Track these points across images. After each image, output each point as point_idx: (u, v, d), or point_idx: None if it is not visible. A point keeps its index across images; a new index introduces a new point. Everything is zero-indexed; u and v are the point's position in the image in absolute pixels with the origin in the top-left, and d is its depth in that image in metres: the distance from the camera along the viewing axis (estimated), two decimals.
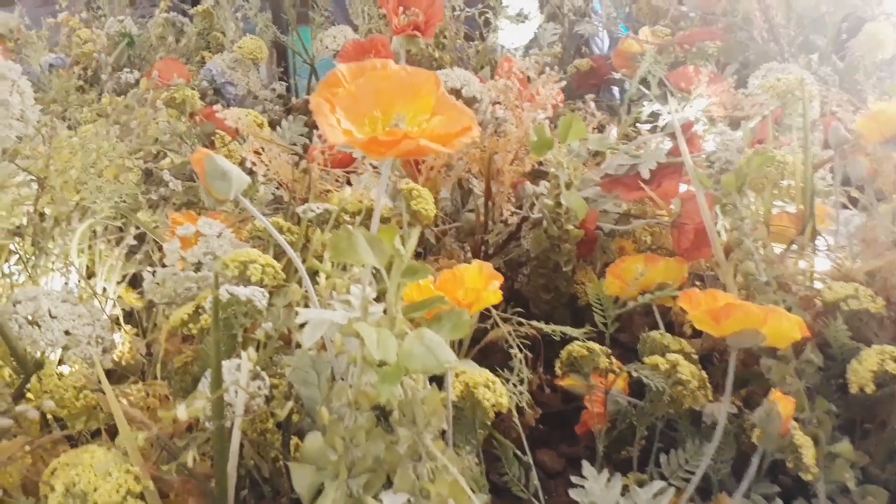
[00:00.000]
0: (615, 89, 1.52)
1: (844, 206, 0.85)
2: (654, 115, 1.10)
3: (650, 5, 1.40)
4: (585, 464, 0.54)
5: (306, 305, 0.62)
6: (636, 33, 1.29)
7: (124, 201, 0.73)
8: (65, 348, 0.62)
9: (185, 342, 0.69)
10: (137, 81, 1.27)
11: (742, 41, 1.13)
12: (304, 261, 0.71)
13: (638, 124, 1.07)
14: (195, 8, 1.53)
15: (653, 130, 1.05)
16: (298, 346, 0.61)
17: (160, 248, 0.92)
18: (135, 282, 0.99)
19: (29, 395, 0.62)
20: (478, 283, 0.53)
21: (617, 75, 1.18)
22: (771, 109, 0.97)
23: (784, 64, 0.95)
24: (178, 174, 0.88)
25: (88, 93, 1.19)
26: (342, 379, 0.55)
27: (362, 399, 0.44)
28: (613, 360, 0.71)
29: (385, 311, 0.49)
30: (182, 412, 0.42)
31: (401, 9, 0.85)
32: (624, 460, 0.75)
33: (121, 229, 0.86)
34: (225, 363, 0.55)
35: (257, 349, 0.62)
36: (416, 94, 0.45)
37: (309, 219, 0.71)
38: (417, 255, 0.94)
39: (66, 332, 0.62)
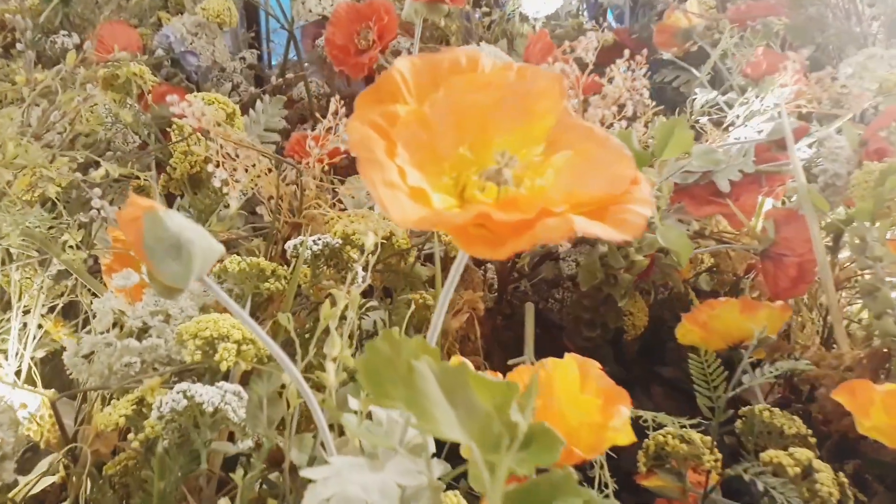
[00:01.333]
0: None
1: None
2: (714, 107, 0.91)
3: None
4: None
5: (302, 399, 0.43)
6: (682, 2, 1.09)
7: (38, 226, 0.52)
8: None
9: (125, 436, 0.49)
10: (78, 47, 1.04)
11: (813, 18, 0.93)
12: (295, 312, 0.51)
13: (700, 121, 0.87)
14: None
15: (717, 125, 0.86)
16: (294, 469, 0.41)
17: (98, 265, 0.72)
18: (68, 311, 0.78)
19: None
20: (579, 399, 0.34)
21: (666, 55, 0.98)
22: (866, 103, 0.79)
23: (891, 50, 0.76)
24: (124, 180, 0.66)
25: (15, 61, 0.96)
26: None
27: None
28: (718, 455, 0.52)
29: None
30: None
31: None
32: None
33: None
34: None
35: (227, 465, 0.42)
36: (528, 112, 0.25)
37: (305, 258, 0.50)
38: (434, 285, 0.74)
39: None
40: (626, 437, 0.33)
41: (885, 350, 0.58)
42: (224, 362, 0.40)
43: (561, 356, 0.88)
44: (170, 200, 0.76)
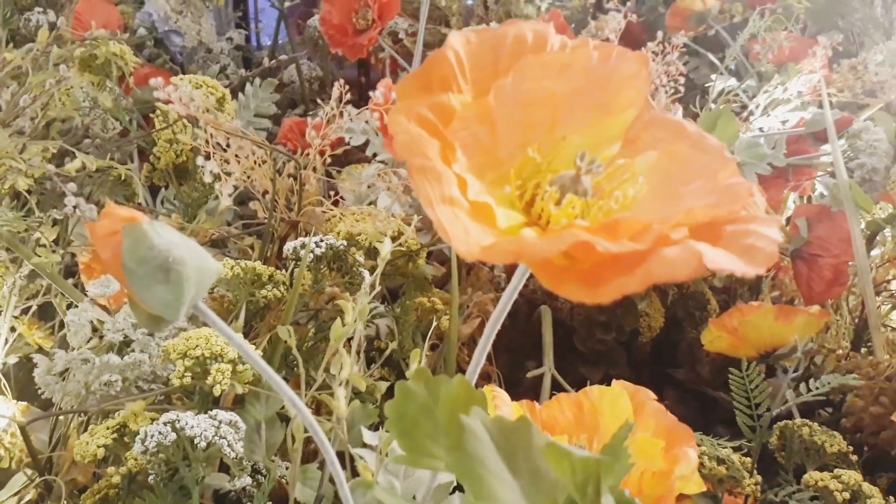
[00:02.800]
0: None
1: None
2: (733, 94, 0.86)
3: None
4: None
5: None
6: None
7: (5, 225, 0.46)
8: None
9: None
10: (54, 25, 0.97)
11: (837, 2, 0.89)
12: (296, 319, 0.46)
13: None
14: None
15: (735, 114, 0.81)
16: None
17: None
18: (44, 312, 0.72)
19: None
20: (636, 439, 0.29)
21: (682, 39, 0.93)
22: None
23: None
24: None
25: None
26: None
27: None
28: (757, 480, 0.48)
29: None
30: None
31: None
32: None
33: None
34: None
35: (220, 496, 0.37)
36: (609, 103, 0.20)
37: (308, 262, 0.45)
38: (439, 285, 0.69)
39: None
40: (697, 486, 0.29)
41: None
42: (217, 386, 0.35)
43: (571, 359, 0.83)
44: (153, 192, 0.71)
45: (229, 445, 0.33)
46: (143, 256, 0.21)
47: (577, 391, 0.36)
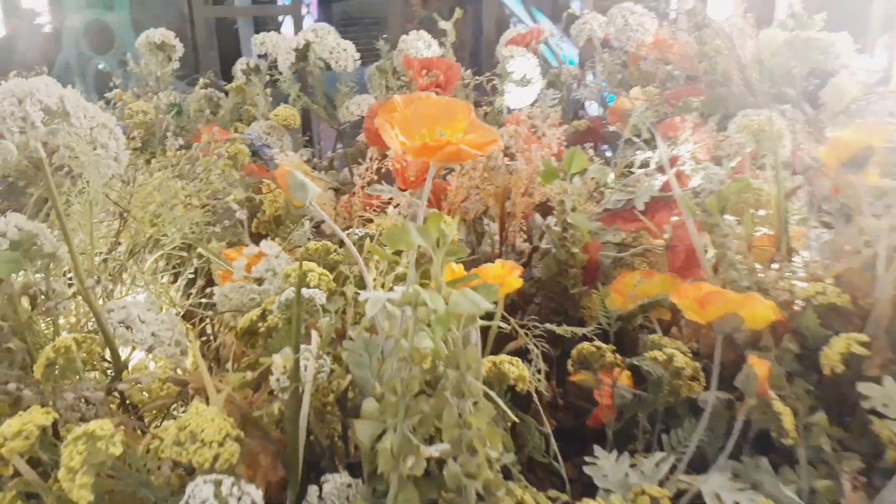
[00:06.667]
0: (609, 147, 1.68)
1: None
2: (647, 163, 1.24)
3: (640, 70, 1.56)
4: (596, 447, 0.65)
5: (356, 304, 0.74)
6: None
7: (193, 232, 0.85)
8: (150, 347, 0.74)
9: (249, 347, 0.80)
10: (182, 147, 1.43)
11: (722, 95, 1.28)
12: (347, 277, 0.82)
13: (631, 169, 1.20)
14: (230, 84, 1.71)
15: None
16: (351, 339, 0.72)
17: (211, 284, 1.04)
18: (186, 316, 1.11)
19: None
20: (501, 273, 0.65)
21: (611, 129, 1.32)
22: (748, 149, 1.11)
23: (759, 110, 1.09)
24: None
25: (140, 157, 1.34)
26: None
27: (416, 355, 0.55)
28: (618, 356, 0.81)
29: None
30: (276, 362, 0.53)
31: (424, 71, 1.00)
32: (631, 449, 0.84)
33: (179, 265, 0.99)
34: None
35: None
36: (454, 117, 0.58)
37: (353, 241, 0.83)
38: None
39: (153, 334, 0.74)
40: (517, 283, 0.64)
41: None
42: (312, 282, 0.72)
43: None
44: (256, 239, 1.11)
45: (318, 299, 0.69)
46: (294, 181, 0.60)
47: None
